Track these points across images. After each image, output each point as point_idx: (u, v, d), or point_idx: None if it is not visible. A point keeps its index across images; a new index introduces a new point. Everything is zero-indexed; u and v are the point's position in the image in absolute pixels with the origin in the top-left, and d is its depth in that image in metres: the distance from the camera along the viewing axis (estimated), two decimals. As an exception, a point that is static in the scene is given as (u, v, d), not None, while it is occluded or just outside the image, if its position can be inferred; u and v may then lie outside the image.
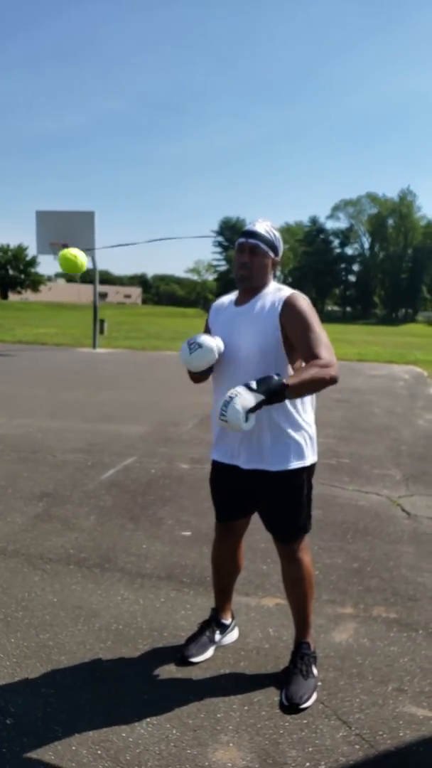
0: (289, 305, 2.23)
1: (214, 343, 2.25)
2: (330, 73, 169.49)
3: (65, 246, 14.76)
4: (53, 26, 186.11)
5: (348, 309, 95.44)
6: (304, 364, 2.19)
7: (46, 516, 4.09)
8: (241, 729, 2.12)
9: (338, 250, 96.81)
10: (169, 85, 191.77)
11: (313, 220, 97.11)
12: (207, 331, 2.48)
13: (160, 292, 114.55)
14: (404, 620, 2.89)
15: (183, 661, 2.49)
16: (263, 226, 2.31)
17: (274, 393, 1.99)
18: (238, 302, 2.40)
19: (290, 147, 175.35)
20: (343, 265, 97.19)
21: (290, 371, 2.25)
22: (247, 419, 1.96)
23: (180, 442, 6.34)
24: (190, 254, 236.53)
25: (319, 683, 2.36)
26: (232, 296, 2.47)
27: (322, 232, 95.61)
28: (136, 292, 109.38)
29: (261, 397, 1.97)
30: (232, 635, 2.68)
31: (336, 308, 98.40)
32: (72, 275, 2.32)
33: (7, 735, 2.06)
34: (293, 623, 2.49)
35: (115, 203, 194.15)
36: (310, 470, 2.36)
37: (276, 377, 2.02)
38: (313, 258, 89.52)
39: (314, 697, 2.28)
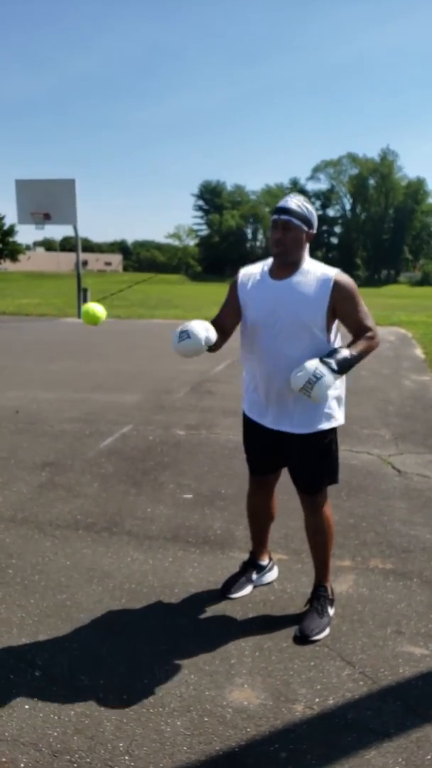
0: (340, 284, 2.37)
1: (204, 334, 2.32)
2: (308, 31, 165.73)
3: (47, 217, 14.45)
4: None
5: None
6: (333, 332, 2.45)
7: (51, 484, 4.22)
8: (254, 672, 2.30)
9: (320, 212, 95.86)
10: (144, 45, 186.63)
11: (294, 182, 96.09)
12: (233, 298, 2.56)
13: (140, 258, 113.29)
14: (399, 570, 3.08)
15: (223, 595, 2.78)
16: (295, 201, 2.39)
17: (347, 369, 2.27)
18: (276, 275, 2.45)
19: (269, 108, 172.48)
20: (325, 227, 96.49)
21: (330, 335, 2.42)
22: (327, 396, 2.30)
23: (174, 409, 6.47)
24: (171, 219, 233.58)
25: (329, 626, 2.57)
26: (262, 267, 2.53)
27: (302, 194, 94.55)
28: (116, 259, 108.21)
29: (339, 376, 2.27)
30: (271, 575, 2.93)
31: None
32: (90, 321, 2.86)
33: (36, 685, 2.22)
34: (310, 567, 2.74)
35: (93, 168, 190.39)
36: (336, 430, 2.56)
37: (344, 352, 2.27)
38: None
39: (325, 632, 2.52)
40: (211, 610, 2.71)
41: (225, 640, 2.49)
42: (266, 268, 2.51)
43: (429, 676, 2.28)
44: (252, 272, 2.54)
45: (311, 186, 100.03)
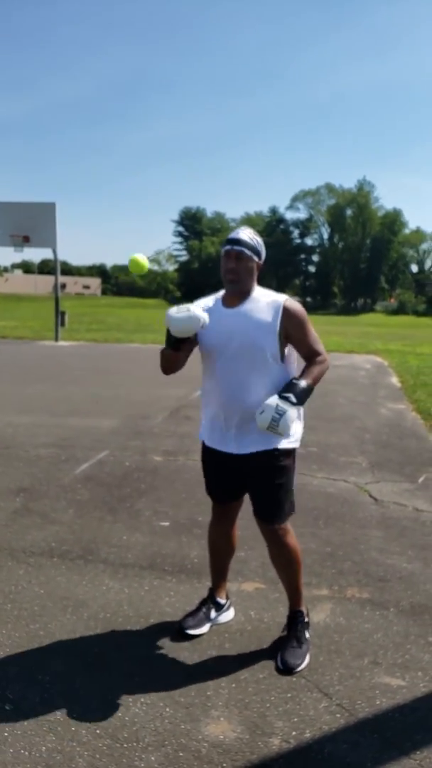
0: (290, 310, 2.47)
1: (202, 314, 2.37)
2: (291, 65, 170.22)
3: (26, 239, 14.43)
4: (6, 4, 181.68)
5: (308, 299, 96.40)
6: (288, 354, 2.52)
7: (25, 510, 4.15)
8: (230, 704, 2.27)
9: (298, 241, 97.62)
10: (128, 72, 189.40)
11: (273, 210, 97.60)
12: None
13: (119, 282, 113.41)
14: (376, 599, 3.08)
15: (180, 632, 2.69)
16: (246, 234, 2.49)
17: (306, 398, 2.40)
18: (228, 304, 2.54)
19: (250, 137, 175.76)
20: (302, 256, 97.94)
21: (286, 360, 2.51)
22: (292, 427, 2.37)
23: (151, 435, 6.44)
24: (150, 244, 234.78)
25: (310, 652, 2.55)
26: (215, 298, 2.61)
27: (281, 223, 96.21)
28: (95, 282, 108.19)
29: (300, 408, 2.40)
30: (228, 614, 2.86)
31: (296, 298, 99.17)
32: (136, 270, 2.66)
33: (7, 720, 2.15)
34: (286, 595, 2.70)
35: (73, 192, 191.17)
36: (294, 453, 2.59)
37: (300, 384, 2.37)
38: (273, 248, 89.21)
39: (307, 660, 2.51)
40: (188, 641, 2.67)
41: (201, 672, 2.46)
42: (218, 298, 2.60)
43: (406, 708, 2.27)
44: (204, 303, 2.61)
45: (290, 215, 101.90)
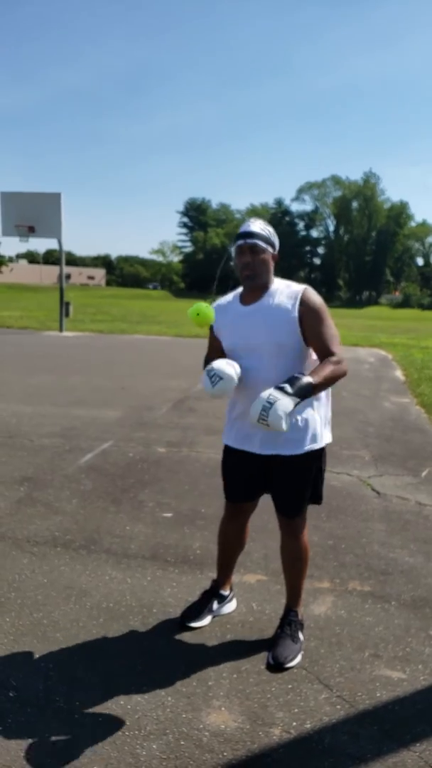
0: (306, 300, 2.35)
1: (233, 370, 2.29)
2: (297, 56, 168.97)
3: (31, 229, 14.38)
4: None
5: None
6: (315, 356, 2.39)
7: (29, 500, 4.17)
8: (231, 695, 2.28)
9: (303, 233, 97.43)
10: (134, 62, 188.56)
11: (279, 202, 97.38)
12: (212, 335, 2.58)
13: (124, 273, 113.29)
14: (378, 593, 3.09)
15: (182, 625, 2.70)
16: (258, 225, 2.40)
17: (306, 394, 2.16)
18: (246, 301, 2.46)
19: (256, 129, 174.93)
20: (308, 248, 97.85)
21: (308, 359, 2.42)
22: (286, 421, 2.10)
23: (155, 426, 6.45)
24: (155, 235, 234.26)
25: (302, 651, 2.55)
26: (232, 296, 2.55)
27: (287, 215, 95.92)
28: (99, 273, 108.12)
29: (297, 399, 2.12)
30: (230, 606, 2.87)
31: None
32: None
33: (11, 707, 2.18)
34: (285, 592, 2.70)
35: (78, 182, 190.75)
36: (323, 451, 2.54)
37: (303, 378, 2.16)
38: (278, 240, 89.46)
39: (298, 659, 2.49)
40: (189, 631, 2.69)
41: (203, 662, 2.48)
42: (237, 296, 2.52)
43: (405, 701, 2.28)
44: (223, 303, 2.55)
45: (296, 207, 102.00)
